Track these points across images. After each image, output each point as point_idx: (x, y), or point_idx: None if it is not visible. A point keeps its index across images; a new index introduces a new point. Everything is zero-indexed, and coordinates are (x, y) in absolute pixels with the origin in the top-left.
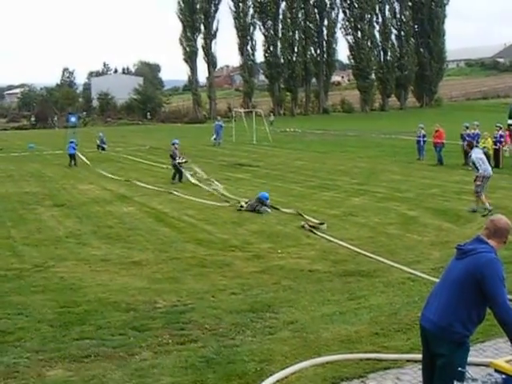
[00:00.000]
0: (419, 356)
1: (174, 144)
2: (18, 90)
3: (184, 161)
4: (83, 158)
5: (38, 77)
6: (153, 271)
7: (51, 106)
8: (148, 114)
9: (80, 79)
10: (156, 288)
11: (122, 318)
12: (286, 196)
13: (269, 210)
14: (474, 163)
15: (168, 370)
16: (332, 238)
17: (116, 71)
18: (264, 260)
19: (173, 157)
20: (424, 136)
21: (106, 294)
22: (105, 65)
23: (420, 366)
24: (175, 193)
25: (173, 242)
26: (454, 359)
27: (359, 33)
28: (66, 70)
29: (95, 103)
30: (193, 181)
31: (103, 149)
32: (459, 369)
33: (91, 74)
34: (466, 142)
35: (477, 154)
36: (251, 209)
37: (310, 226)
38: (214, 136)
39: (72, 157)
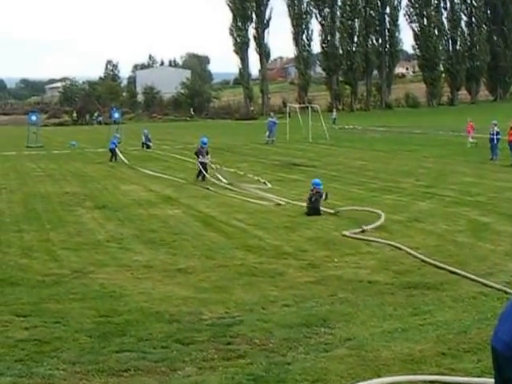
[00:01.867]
0: (491, 381)
1: (203, 144)
2: (59, 84)
3: (208, 161)
4: (121, 156)
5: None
6: (199, 279)
7: (94, 101)
8: (191, 109)
9: (124, 72)
10: (202, 298)
11: (164, 329)
12: (344, 199)
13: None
14: None
15: None
16: (395, 243)
17: (162, 64)
18: (319, 269)
19: (197, 154)
20: (498, 133)
21: (149, 304)
22: (150, 57)
23: None
24: (229, 194)
25: (221, 249)
26: None
27: (425, 20)
28: (109, 62)
29: (140, 98)
30: (224, 181)
31: (148, 147)
32: None
33: (136, 67)
34: None
35: None
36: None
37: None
38: (267, 133)
39: (111, 152)
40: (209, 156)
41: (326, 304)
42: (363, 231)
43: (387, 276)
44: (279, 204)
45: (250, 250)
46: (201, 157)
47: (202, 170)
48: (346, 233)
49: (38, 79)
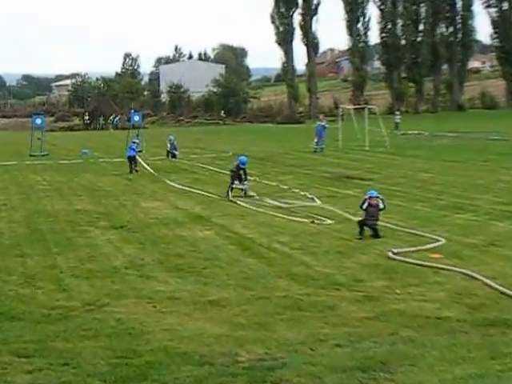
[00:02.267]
0: None
1: (242, 165)
2: (68, 81)
3: (245, 187)
4: (144, 165)
5: (93, 64)
6: (234, 314)
7: (109, 102)
8: (223, 112)
9: (145, 67)
10: (238, 336)
11: (193, 373)
12: (408, 219)
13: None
14: None
15: None
16: (469, 272)
17: (191, 57)
18: (378, 303)
19: (233, 178)
20: None
21: (175, 343)
22: (177, 49)
23: None
24: (270, 212)
25: (260, 277)
26: None
27: (505, 4)
28: (128, 55)
29: (164, 97)
30: (251, 193)
31: (174, 156)
32: None
33: (159, 61)
34: None
35: None
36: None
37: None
38: (316, 140)
39: (131, 160)
40: (246, 182)
41: (386, 344)
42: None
43: (459, 311)
44: (323, 222)
45: (295, 278)
46: (236, 182)
47: (229, 194)
48: (392, 254)
49: (42, 75)
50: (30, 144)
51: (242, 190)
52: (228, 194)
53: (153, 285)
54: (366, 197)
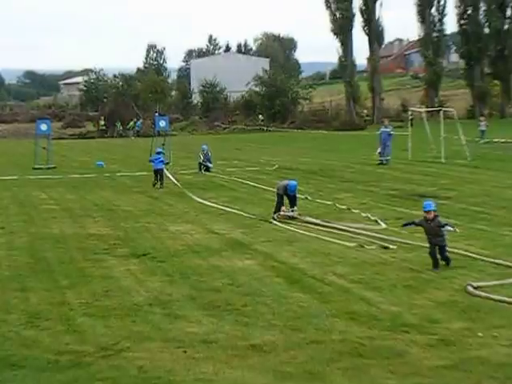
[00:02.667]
0: None
1: (291, 191)
2: (79, 79)
3: (293, 214)
4: (174, 181)
5: (109, 58)
6: (281, 361)
7: (130, 103)
8: (260, 115)
9: (173, 62)
10: None
11: None
12: (492, 246)
13: (451, 228)
14: None
15: None
16: None
17: (228, 49)
18: (456, 348)
19: (279, 204)
20: None
21: None
22: (211, 40)
23: None
24: (323, 236)
25: (312, 317)
26: None
27: None
28: (152, 47)
29: (196, 98)
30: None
31: (207, 169)
32: None
33: (190, 55)
34: None
35: None
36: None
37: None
38: (379, 149)
39: (158, 174)
40: (295, 208)
41: None
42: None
43: None
44: (387, 247)
45: (355, 318)
46: (284, 209)
47: (274, 219)
48: (472, 289)
49: (48, 71)
50: (33, 155)
51: (289, 217)
52: (274, 217)
53: (182, 325)
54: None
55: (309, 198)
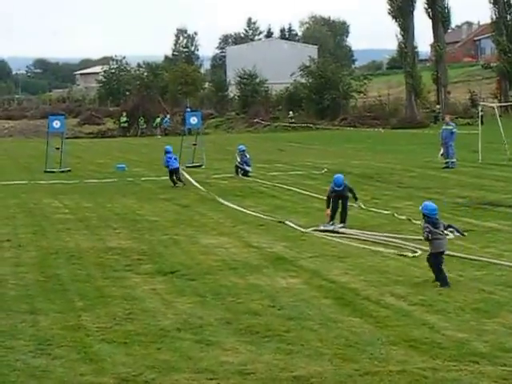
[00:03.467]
0: None
1: (337, 186)
2: (98, 68)
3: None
4: (190, 179)
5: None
6: None
7: (156, 97)
8: (291, 112)
9: (206, 49)
10: None
11: None
12: None
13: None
14: None
15: None
16: None
17: (270, 35)
18: None
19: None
20: None
21: None
22: (250, 24)
23: None
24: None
25: (367, 344)
26: None
27: None
28: (182, 32)
29: (233, 91)
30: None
31: (245, 172)
32: None
33: (226, 41)
34: None
35: None
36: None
37: None
38: (442, 151)
39: (174, 174)
40: (345, 223)
41: None
42: None
43: None
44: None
45: (416, 346)
46: (328, 221)
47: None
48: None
49: (62, 60)
50: (44, 156)
51: (343, 226)
52: (321, 227)
53: (216, 354)
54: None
55: (362, 206)
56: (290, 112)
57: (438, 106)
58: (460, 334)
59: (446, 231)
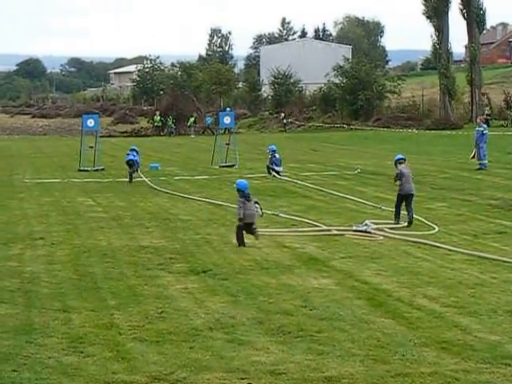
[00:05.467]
0: None
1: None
2: (132, 68)
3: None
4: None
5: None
6: None
7: (190, 97)
8: (282, 113)
9: (240, 49)
10: None
11: None
12: None
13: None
14: None
15: None
16: None
17: (304, 35)
18: None
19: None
20: None
21: None
22: (284, 23)
23: None
24: (414, 251)
25: (399, 345)
26: None
27: None
28: (216, 32)
29: (266, 91)
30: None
31: (277, 172)
32: None
33: (260, 41)
34: None
35: None
36: None
37: None
38: (473, 151)
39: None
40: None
41: None
42: None
43: None
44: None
45: (448, 348)
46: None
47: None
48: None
49: (97, 59)
50: (78, 154)
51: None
52: (354, 228)
53: (248, 353)
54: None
55: (383, 207)
56: (282, 114)
57: (487, 108)
58: (492, 337)
59: (256, 205)
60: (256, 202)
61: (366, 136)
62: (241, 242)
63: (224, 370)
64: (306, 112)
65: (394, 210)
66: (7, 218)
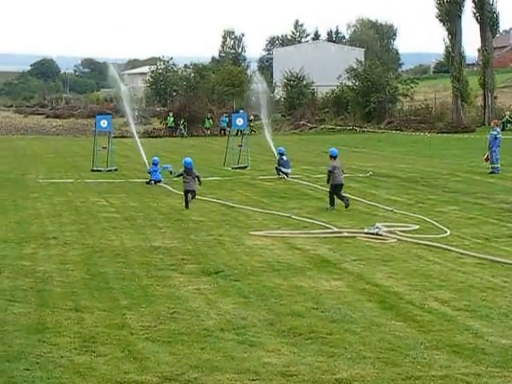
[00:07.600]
0: None
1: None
2: (145, 69)
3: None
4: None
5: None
6: None
7: (203, 98)
8: (251, 116)
9: (253, 50)
10: None
11: None
12: None
13: None
14: None
15: None
16: None
17: (317, 37)
18: None
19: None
20: None
21: None
22: (297, 26)
23: None
24: (426, 254)
25: (409, 348)
26: None
27: None
28: (229, 34)
29: (279, 93)
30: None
31: (286, 174)
32: None
33: (273, 43)
34: None
35: None
36: None
37: None
38: (486, 154)
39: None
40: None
41: None
42: None
43: None
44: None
45: (459, 352)
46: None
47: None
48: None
49: (110, 60)
50: (91, 155)
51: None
52: (365, 230)
53: (259, 354)
54: None
55: (394, 211)
56: (251, 116)
57: (507, 113)
58: (504, 340)
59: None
60: (197, 177)
61: (379, 139)
62: (186, 205)
63: (235, 371)
64: (319, 114)
65: (337, 200)
66: (20, 218)
